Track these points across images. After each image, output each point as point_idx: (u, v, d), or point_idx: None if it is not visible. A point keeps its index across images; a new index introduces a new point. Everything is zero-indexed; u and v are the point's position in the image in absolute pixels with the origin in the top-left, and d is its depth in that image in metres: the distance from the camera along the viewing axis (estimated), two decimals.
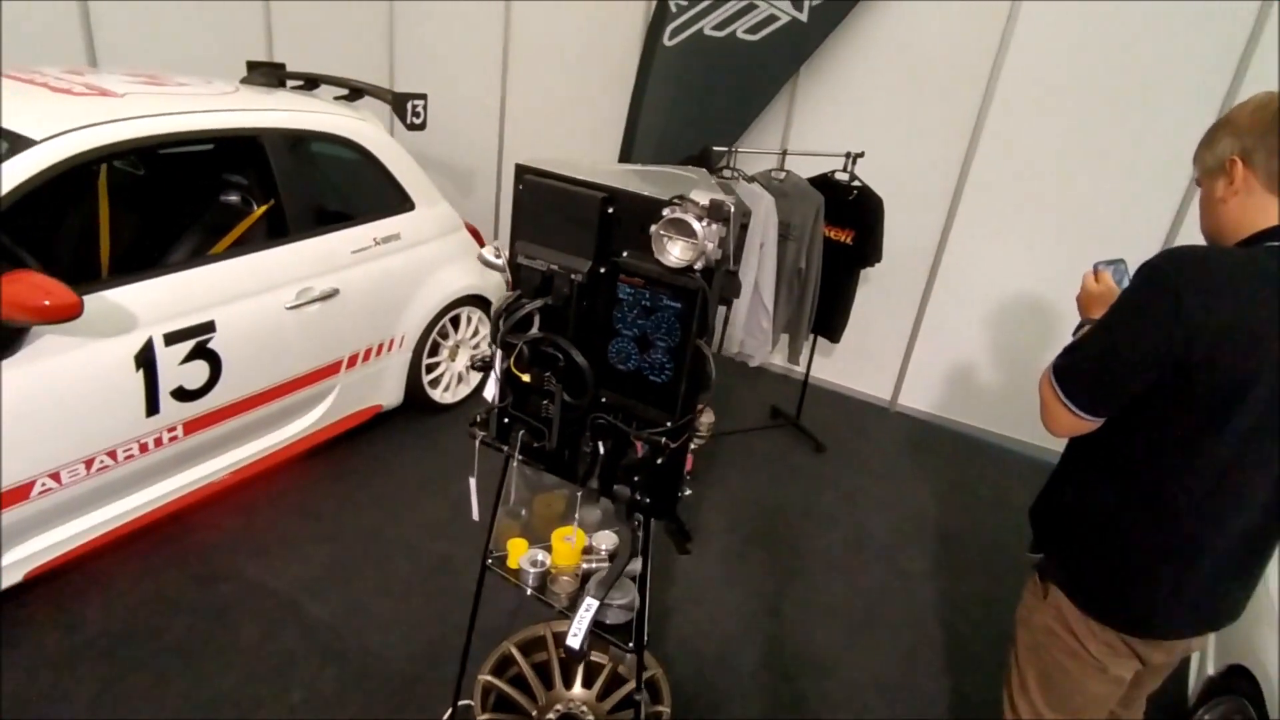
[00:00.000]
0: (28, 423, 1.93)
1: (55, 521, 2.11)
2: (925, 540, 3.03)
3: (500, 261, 1.34)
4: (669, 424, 1.28)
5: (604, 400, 1.34)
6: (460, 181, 4.89)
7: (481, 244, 3.27)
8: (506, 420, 1.47)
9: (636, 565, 1.76)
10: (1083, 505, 1.31)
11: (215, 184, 2.80)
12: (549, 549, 1.66)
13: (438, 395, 3.36)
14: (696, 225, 1.11)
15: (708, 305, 1.18)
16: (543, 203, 1.26)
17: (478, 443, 1.49)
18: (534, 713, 1.87)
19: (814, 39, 3.53)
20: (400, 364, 3.10)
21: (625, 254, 1.23)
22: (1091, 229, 3.34)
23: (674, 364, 1.24)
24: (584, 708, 1.91)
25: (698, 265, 1.14)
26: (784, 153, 3.09)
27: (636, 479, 1.29)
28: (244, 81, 2.92)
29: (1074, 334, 1.37)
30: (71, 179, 2.66)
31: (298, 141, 2.67)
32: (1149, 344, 1.12)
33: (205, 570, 2.39)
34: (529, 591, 1.63)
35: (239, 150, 2.69)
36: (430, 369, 3.28)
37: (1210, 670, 2.03)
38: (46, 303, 1.79)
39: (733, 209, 1.09)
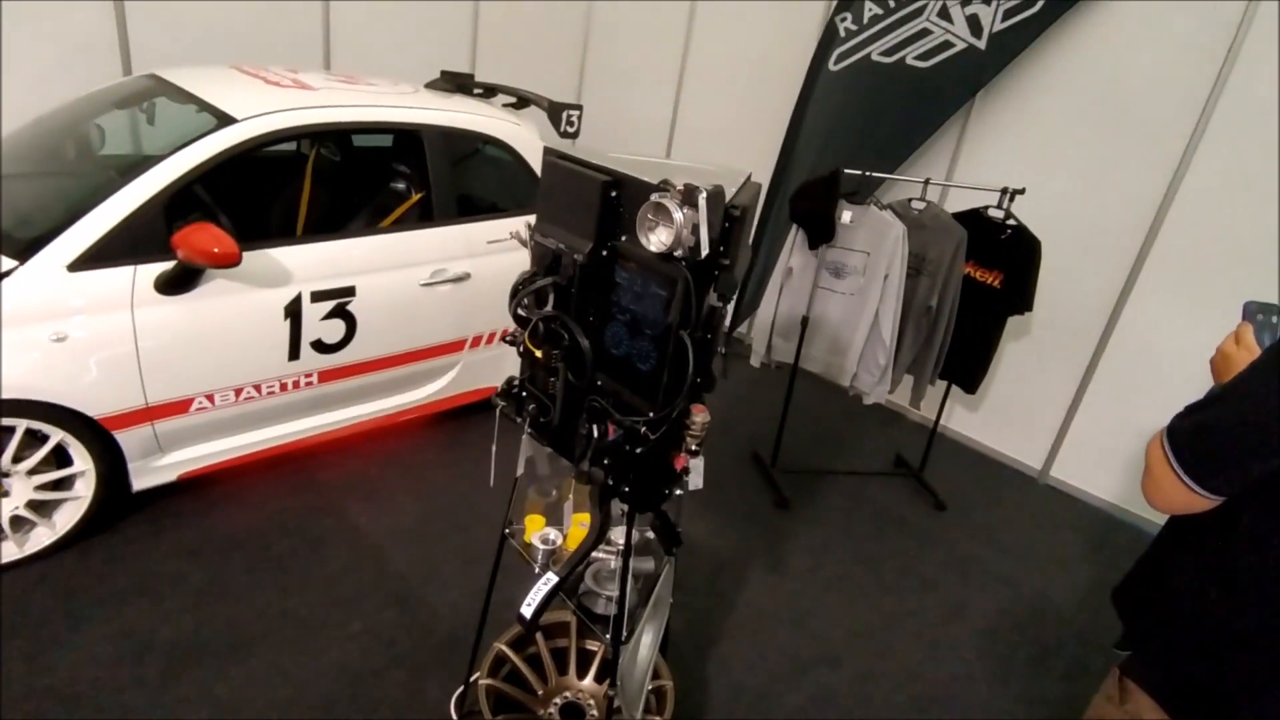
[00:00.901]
0: (194, 349, 2.33)
1: (206, 437, 2.52)
2: (1037, 632, 2.65)
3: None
4: (650, 414, 1.26)
5: (599, 384, 1.36)
6: None
7: None
8: (524, 394, 1.53)
9: (648, 564, 1.75)
10: (1186, 597, 1.09)
11: (390, 173, 3.20)
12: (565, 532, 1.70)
13: None
14: (676, 211, 1.10)
15: (690, 295, 1.17)
16: (558, 184, 1.32)
17: (498, 411, 1.57)
18: (540, 692, 1.90)
19: (991, 68, 3.29)
20: None
21: (623, 239, 1.25)
22: None
23: (658, 352, 1.23)
24: (590, 701, 1.92)
25: (678, 252, 1.13)
26: (926, 181, 2.89)
27: (607, 462, 1.29)
28: (428, 86, 3.31)
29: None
30: (288, 162, 3.20)
31: (452, 138, 2.97)
32: None
33: (317, 503, 2.71)
34: (536, 568, 1.67)
35: (408, 144, 3.05)
36: None
37: None
38: (215, 250, 2.16)
39: (704, 193, 1.07)
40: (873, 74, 3.56)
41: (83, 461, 2.23)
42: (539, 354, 1.43)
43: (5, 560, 2.19)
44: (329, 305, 2.58)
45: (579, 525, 1.69)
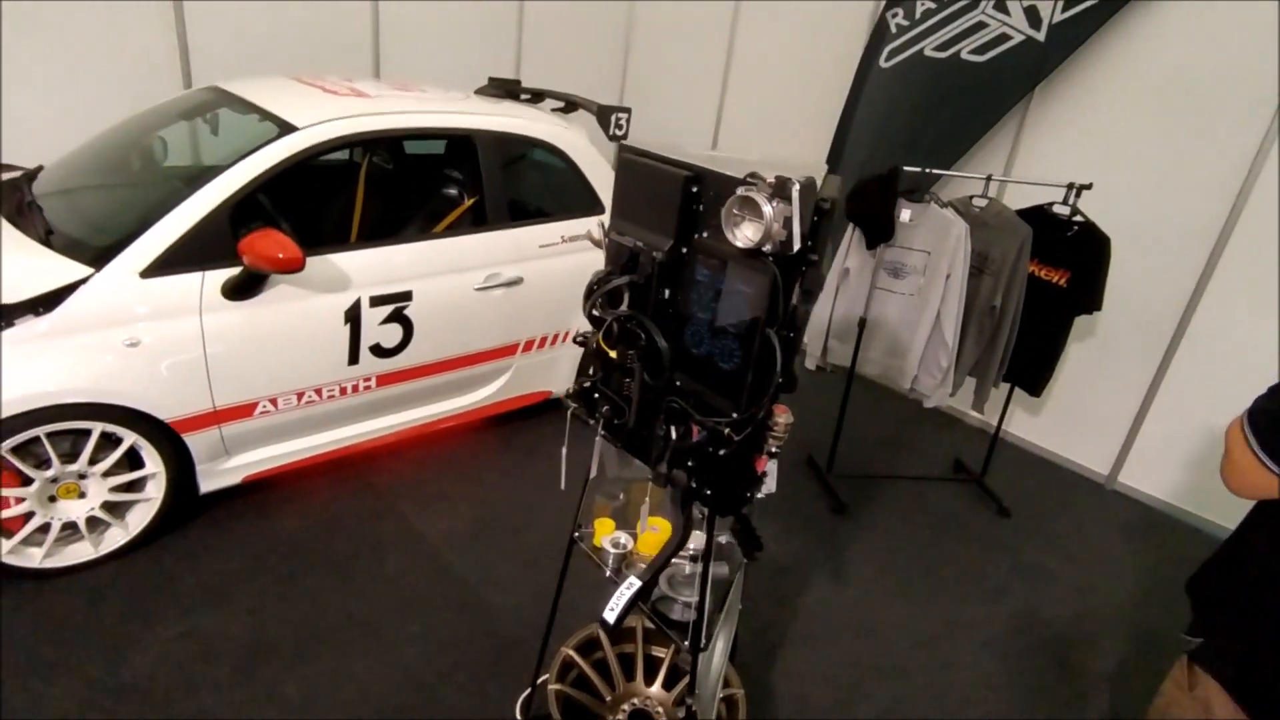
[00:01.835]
0: (259, 353, 2.37)
1: (269, 440, 2.55)
2: (1113, 642, 2.54)
3: (600, 238, 1.40)
4: (734, 415, 1.23)
5: (679, 384, 1.33)
6: None
7: None
8: (597, 395, 1.51)
9: (724, 569, 1.71)
10: (1265, 587, 1.05)
11: (442, 179, 3.22)
12: (636, 536, 1.67)
13: None
14: (765, 205, 1.07)
15: (778, 292, 1.13)
16: (636, 181, 1.30)
17: (569, 413, 1.56)
18: (608, 698, 1.88)
19: (1052, 60, 3.19)
20: (572, 355, 3.31)
21: (705, 235, 1.22)
22: None
23: (742, 351, 1.20)
24: (659, 708, 1.88)
25: (766, 247, 1.10)
26: (988, 178, 2.80)
27: (690, 464, 1.26)
28: (478, 92, 3.33)
29: None
30: (341, 170, 3.25)
31: (504, 142, 2.98)
32: None
33: (376, 506, 2.73)
34: (607, 573, 1.65)
35: (461, 149, 3.07)
36: None
37: None
38: (280, 255, 2.19)
39: (798, 186, 1.04)
40: (926, 69, 3.49)
41: (154, 464, 2.27)
42: (613, 354, 1.41)
43: (82, 560, 2.25)
44: (387, 310, 2.60)
45: (650, 530, 1.66)
